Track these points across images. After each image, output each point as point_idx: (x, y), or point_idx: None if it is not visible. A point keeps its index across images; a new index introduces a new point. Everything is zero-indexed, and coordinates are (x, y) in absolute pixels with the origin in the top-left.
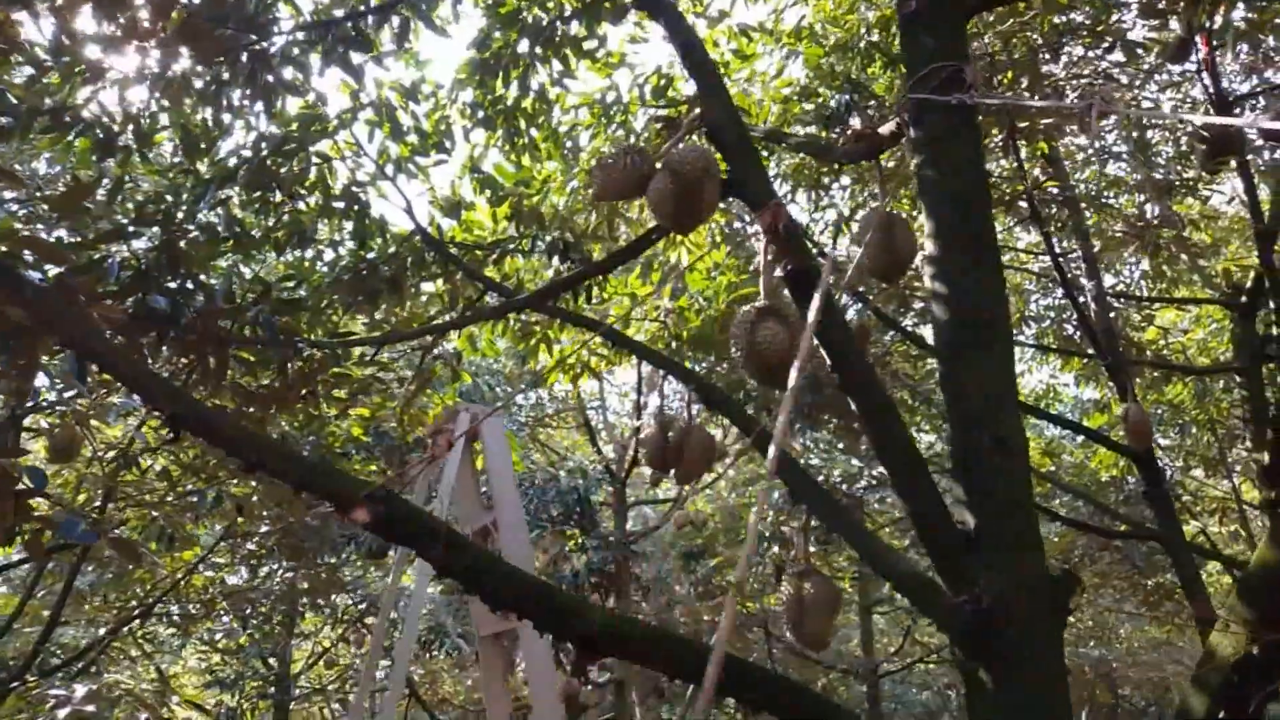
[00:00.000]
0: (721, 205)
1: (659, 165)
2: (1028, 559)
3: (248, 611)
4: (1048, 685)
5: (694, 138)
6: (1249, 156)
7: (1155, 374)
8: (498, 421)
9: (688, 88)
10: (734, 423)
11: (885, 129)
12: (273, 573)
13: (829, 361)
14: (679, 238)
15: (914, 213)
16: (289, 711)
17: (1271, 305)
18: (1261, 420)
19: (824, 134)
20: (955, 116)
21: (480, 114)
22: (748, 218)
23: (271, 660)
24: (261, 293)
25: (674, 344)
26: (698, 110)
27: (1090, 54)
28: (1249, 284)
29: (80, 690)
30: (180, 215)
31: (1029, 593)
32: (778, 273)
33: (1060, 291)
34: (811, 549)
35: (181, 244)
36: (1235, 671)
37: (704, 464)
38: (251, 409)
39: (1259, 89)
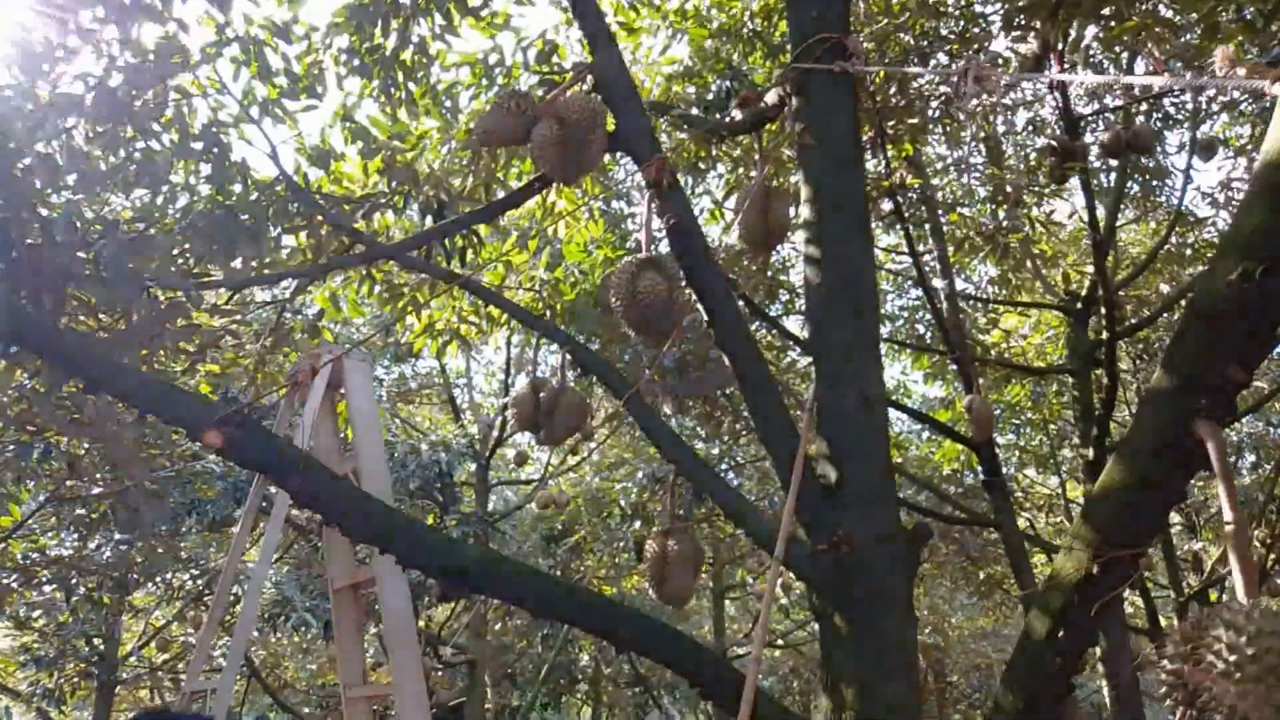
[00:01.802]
0: (601, 180)
1: (545, 114)
2: (884, 511)
3: (74, 581)
4: (900, 632)
5: (581, 89)
6: (1090, 167)
7: (996, 375)
8: (363, 364)
9: (573, 57)
10: (606, 385)
11: (769, 98)
12: (103, 543)
13: (704, 314)
14: (557, 208)
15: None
16: (115, 694)
17: (1103, 312)
18: (1088, 419)
19: (706, 117)
20: (836, 87)
21: (356, 62)
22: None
23: (96, 640)
24: (107, 226)
25: (548, 315)
26: (586, 60)
27: (954, 63)
28: (1084, 292)
29: None
30: (13, 144)
31: (885, 543)
32: (658, 226)
33: (916, 291)
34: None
35: (16, 170)
36: (1076, 591)
37: (575, 426)
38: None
39: (1101, 110)
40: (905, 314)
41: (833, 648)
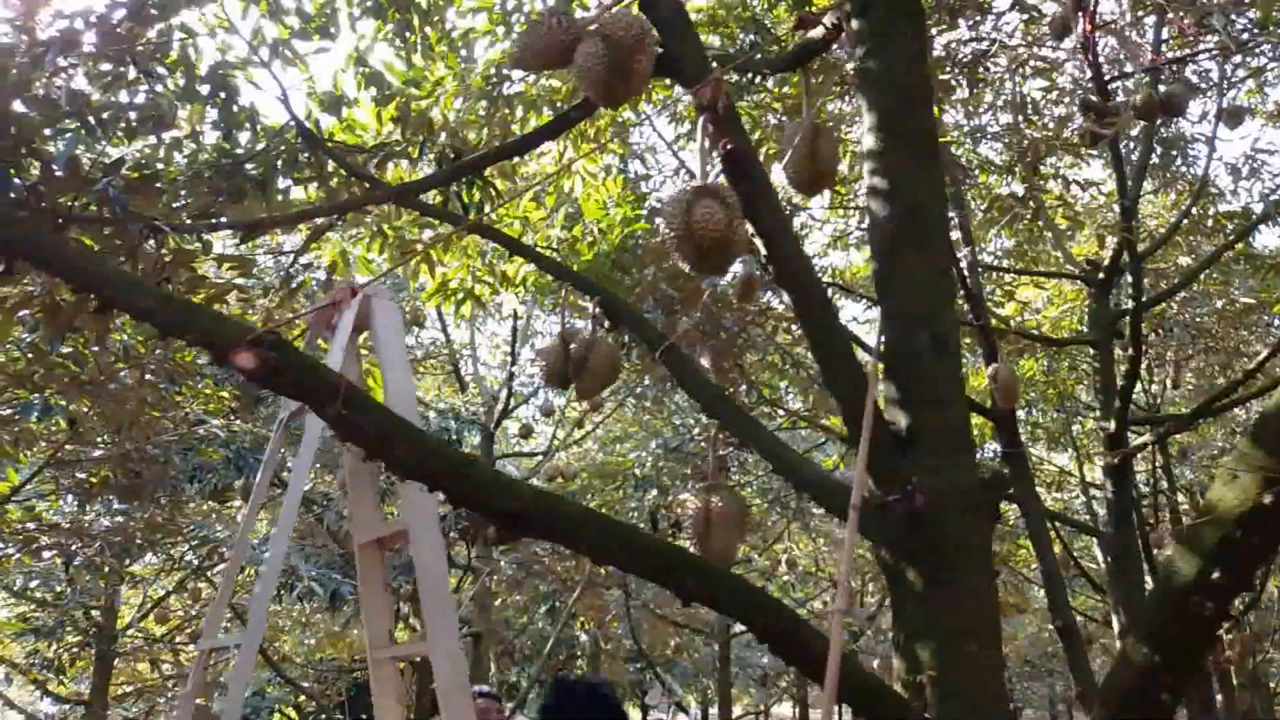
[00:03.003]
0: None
1: (589, 31)
2: (961, 460)
3: (73, 549)
4: (980, 588)
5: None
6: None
7: (1011, 349)
8: (391, 303)
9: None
10: (640, 336)
11: (827, 19)
12: (102, 511)
13: (763, 249)
14: (574, 164)
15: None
16: (113, 665)
17: (1129, 281)
18: (1109, 392)
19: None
20: (901, 7)
21: (370, 2)
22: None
23: (94, 611)
24: (111, 165)
25: None
26: None
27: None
28: (1106, 262)
29: None
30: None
31: (962, 494)
32: (715, 154)
33: None
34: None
35: (14, 106)
36: (1239, 525)
37: (608, 378)
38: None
39: (1133, 71)
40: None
41: (906, 606)
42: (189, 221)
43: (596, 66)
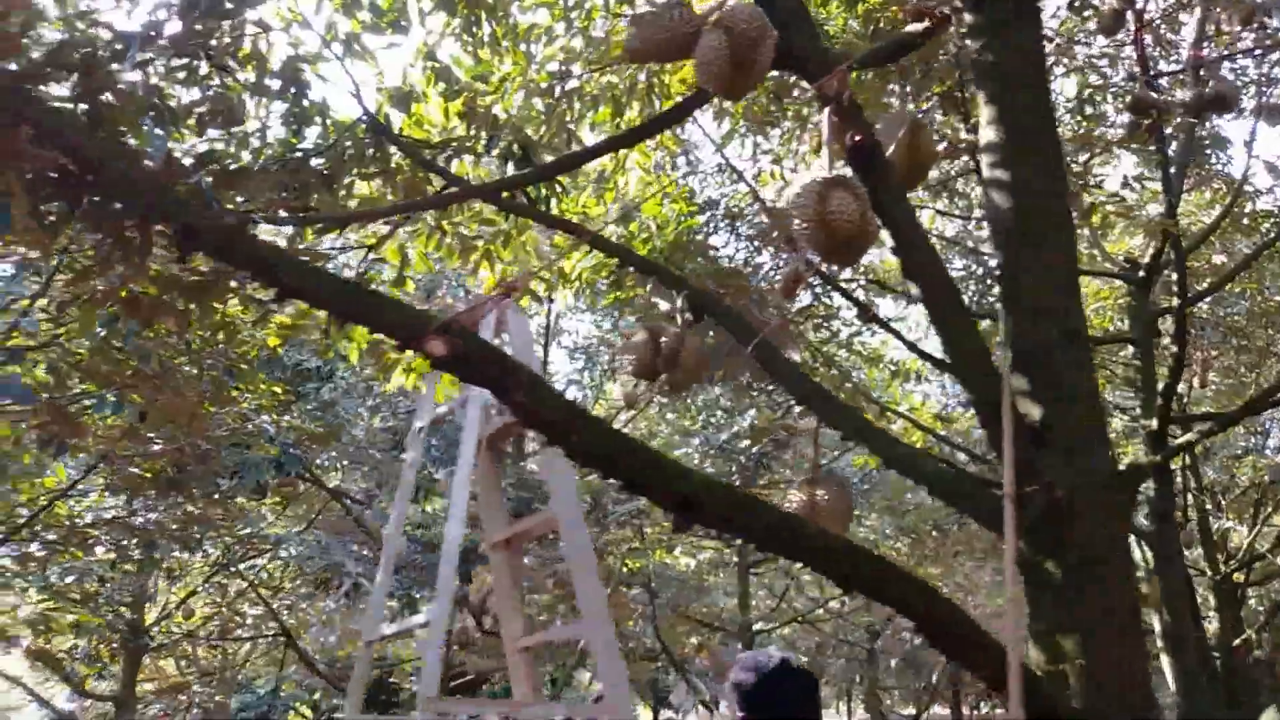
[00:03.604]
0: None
1: (710, 24)
2: (1097, 451)
3: (123, 542)
4: (1121, 578)
5: None
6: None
7: None
8: (523, 316)
9: None
10: (730, 330)
11: (939, 11)
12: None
13: (891, 242)
14: (624, 158)
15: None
16: (141, 661)
17: (1174, 278)
18: (1150, 389)
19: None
20: (1024, 3)
21: None
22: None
23: (123, 608)
24: (201, 158)
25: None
26: None
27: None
28: (1147, 259)
29: None
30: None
31: (1100, 485)
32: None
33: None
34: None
35: (105, 97)
36: None
37: (699, 372)
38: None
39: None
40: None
41: (1045, 597)
42: (275, 214)
43: (719, 59)
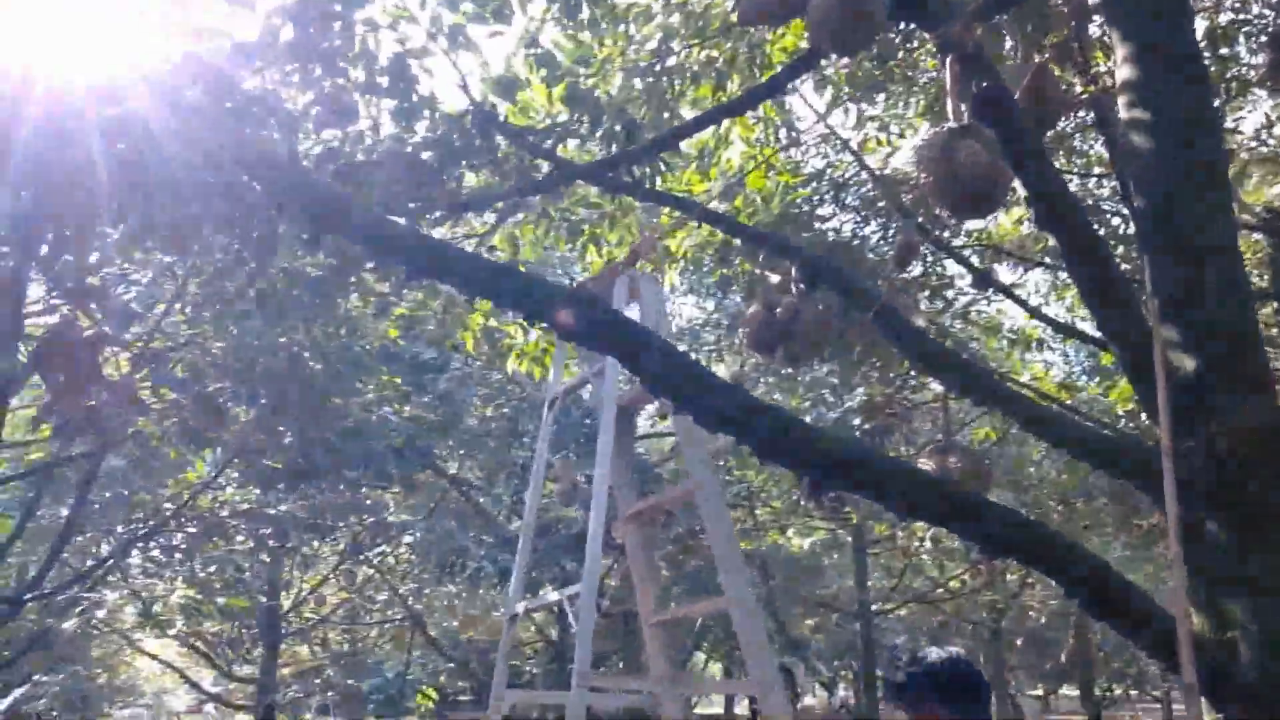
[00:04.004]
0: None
1: None
2: (1264, 402)
3: (261, 532)
4: None
5: None
6: None
7: None
8: (657, 283)
9: None
10: (847, 298)
11: None
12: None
13: (1025, 191)
14: (726, 132)
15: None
16: (279, 645)
17: None
18: None
19: None
20: None
21: None
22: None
23: (261, 596)
24: (323, 155)
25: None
26: None
27: None
28: None
29: (110, 595)
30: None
31: (1267, 436)
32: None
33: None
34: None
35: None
36: None
37: (819, 342)
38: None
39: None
40: None
41: (1210, 558)
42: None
43: (831, 14)
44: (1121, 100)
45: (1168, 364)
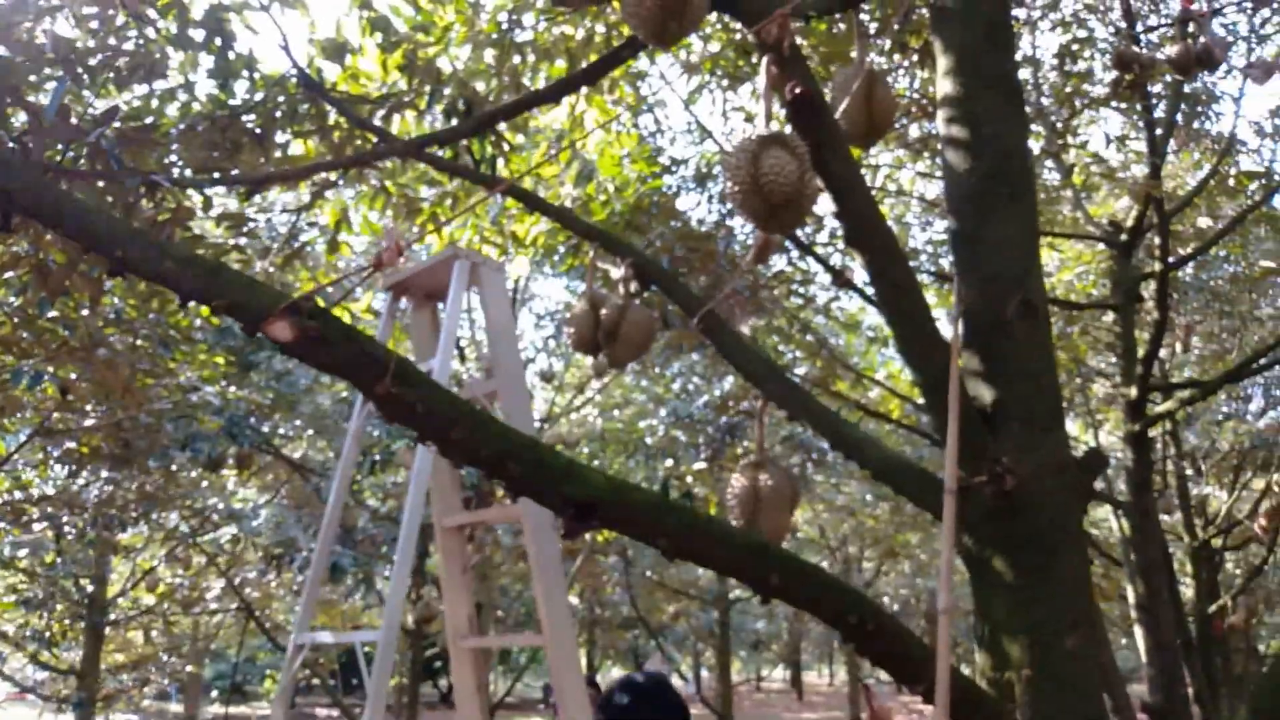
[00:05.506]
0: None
1: None
2: (1053, 437)
3: (64, 520)
4: (1076, 576)
5: None
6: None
7: None
8: (499, 271)
9: None
10: (676, 302)
11: None
12: (91, 480)
13: (833, 203)
14: (580, 115)
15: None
16: (104, 635)
17: (1156, 242)
18: (1131, 357)
19: None
20: None
21: None
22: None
23: (84, 581)
24: (103, 114)
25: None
26: None
27: None
28: (1130, 222)
29: None
30: None
31: (1056, 474)
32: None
33: (941, 223)
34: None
35: None
36: None
37: (642, 345)
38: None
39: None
40: (930, 248)
41: (994, 597)
42: (186, 176)
43: (648, 3)
44: (940, 115)
45: (963, 395)
